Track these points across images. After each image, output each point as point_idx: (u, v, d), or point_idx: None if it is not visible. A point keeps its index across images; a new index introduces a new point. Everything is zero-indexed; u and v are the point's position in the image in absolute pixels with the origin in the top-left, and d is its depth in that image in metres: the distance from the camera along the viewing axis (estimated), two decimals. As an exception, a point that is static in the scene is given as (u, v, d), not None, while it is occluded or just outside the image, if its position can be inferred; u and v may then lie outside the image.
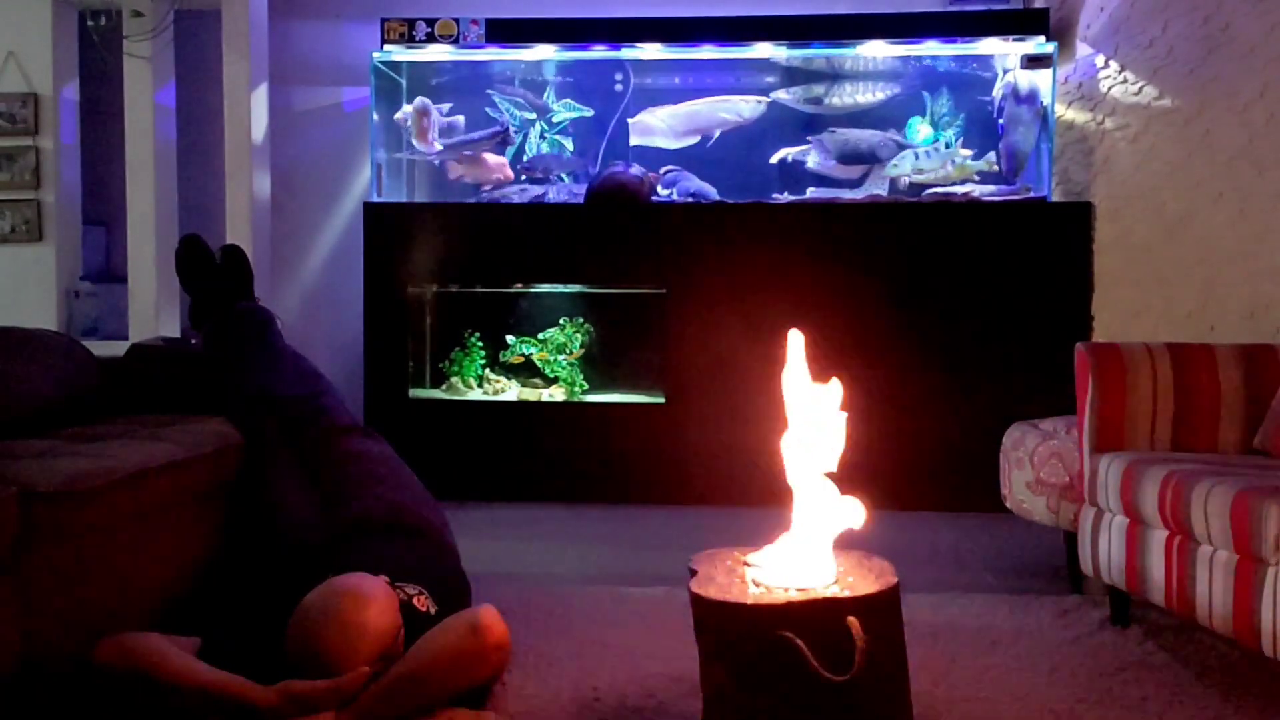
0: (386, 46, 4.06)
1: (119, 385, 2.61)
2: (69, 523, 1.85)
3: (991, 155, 3.99)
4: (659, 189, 4.03)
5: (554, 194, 4.13)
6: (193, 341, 2.80)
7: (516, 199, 4.10)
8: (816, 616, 1.59)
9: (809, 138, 4.10)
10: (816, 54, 4.08)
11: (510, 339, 4.07)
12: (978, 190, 3.88)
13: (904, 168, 3.99)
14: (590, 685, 2.01)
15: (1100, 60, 3.73)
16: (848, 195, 4.03)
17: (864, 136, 4.08)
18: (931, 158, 3.97)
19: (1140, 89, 3.58)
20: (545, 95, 4.31)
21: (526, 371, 4.08)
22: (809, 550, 1.75)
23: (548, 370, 4.03)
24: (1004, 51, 3.99)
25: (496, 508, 3.72)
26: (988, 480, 3.04)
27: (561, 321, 4.03)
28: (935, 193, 3.92)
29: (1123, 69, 3.64)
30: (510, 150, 4.26)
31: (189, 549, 2.25)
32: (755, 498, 3.50)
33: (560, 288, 4.05)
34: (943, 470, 3.71)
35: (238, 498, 2.38)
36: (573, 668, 2.10)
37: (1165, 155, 3.52)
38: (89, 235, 4.87)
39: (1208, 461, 2.20)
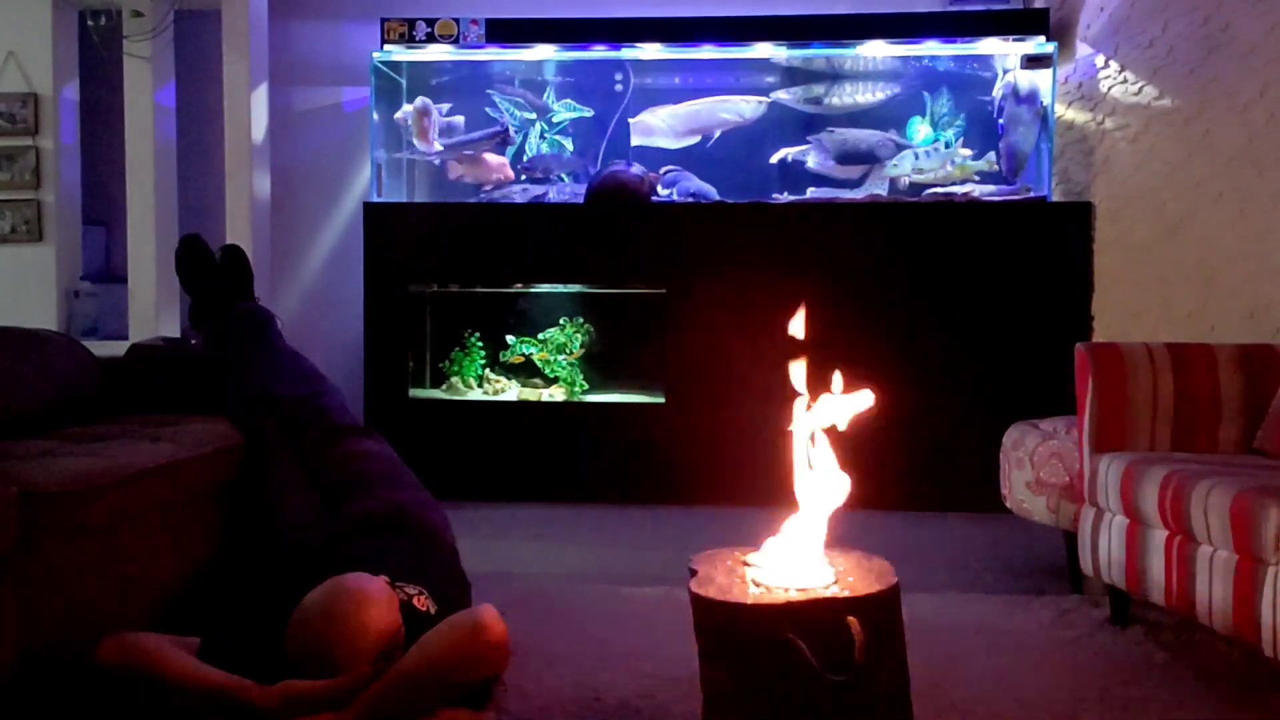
0: (386, 46, 4.06)
1: (119, 385, 2.61)
2: (69, 523, 1.85)
3: (991, 155, 3.99)
4: (659, 189, 4.03)
5: (554, 194, 4.13)
6: (193, 341, 2.80)
7: (518, 199, 4.10)
8: (816, 616, 1.59)
9: (808, 137, 4.11)
10: (816, 54, 4.08)
11: (510, 339, 4.07)
12: (978, 190, 3.88)
13: (904, 168, 3.99)
14: (590, 685, 2.01)
15: (1100, 60, 3.73)
16: (848, 195, 4.03)
17: (862, 136, 4.08)
18: (931, 158, 3.97)
19: (1140, 89, 3.58)
20: (545, 95, 4.31)
21: (526, 371, 4.08)
22: (808, 547, 1.75)
23: (548, 370, 4.03)
24: (1004, 51, 3.99)
25: (496, 508, 3.72)
26: (988, 480, 3.04)
27: (561, 321, 4.03)
28: (935, 193, 3.92)
29: (1123, 69, 3.64)
30: (510, 150, 4.27)
31: (189, 549, 2.25)
32: (755, 498, 3.50)
33: (560, 288, 4.05)
34: (943, 470, 3.71)
35: (238, 498, 2.38)
36: (573, 668, 2.10)
37: (1165, 155, 3.52)
38: (89, 235, 4.87)
39: (1208, 461, 2.20)
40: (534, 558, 3.11)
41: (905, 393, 3.73)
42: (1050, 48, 3.84)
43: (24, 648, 1.74)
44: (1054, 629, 2.36)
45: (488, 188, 4.20)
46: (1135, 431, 2.41)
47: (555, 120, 4.32)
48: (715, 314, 3.81)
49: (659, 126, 4.16)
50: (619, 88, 4.27)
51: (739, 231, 3.84)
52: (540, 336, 4.04)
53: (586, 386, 4.01)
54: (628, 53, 4.11)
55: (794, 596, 1.63)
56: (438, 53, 4.12)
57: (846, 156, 4.09)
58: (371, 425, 2.81)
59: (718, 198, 4.02)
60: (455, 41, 4.03)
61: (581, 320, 4.04)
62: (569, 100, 4.30)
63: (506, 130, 4.21)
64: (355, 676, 1.68)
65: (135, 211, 4.51)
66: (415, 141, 4.14)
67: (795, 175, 4.12)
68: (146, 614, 2.05)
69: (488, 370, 4.07)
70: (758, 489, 3.48)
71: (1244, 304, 3.30)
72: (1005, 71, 4.00)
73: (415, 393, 3.98)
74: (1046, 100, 3.86)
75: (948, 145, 4.00)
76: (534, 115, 4.30)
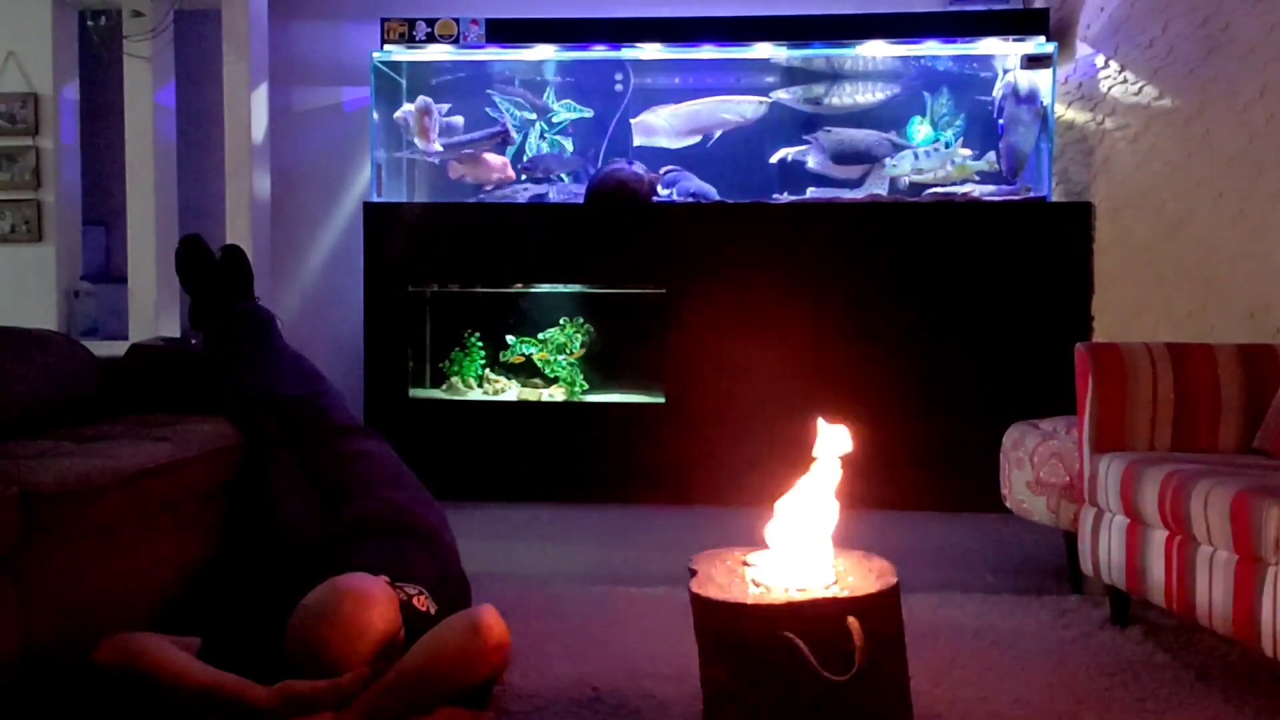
0: (386, 46, 4.06)
1: (119, 385, 2.61)
2: (69, 523, 1.85)
3: (991, 155, 3.99)
4: (659, 189, 4.03)
5: (554, 194, 4.13)
6: (193, 341, 2.80)
7: (520, 199, 4.10)
8: (816, 616, 1.59)
9: (805, 137, 4.11)
10: (816, 54, 4.08)
11: (510, 339, 4.07)
12: (978, 190, 3.88)
13: (904, 168, 3.99)
14: (590, 685, 2.01)
15: (1100, 60, 3.73)
16: (848, 195, 4.02)
17: (859, 136, 4.08)
18: (931, 158, 3.97)
19: (1140, 89, 3.58)
20: (545, 95, 4.31)
21: (526, 371, 4.08)
22: (809, 547, 1.75)
23: (548, 370, 4.03)
24: (1004, 51, 3.99)
25: (496, 508, 3.72)
26: (988, 480, 3.04)
27: (562, 321, 4.03)
28: (935, 193, 3.92)
29: (1123, 69, 3.64)
30: (510, 150, 4.27)
31: (189, 549, 2.25)
32: (755, 498, 3.49)
33: (560, 288, 4.05)
34: (943, 470, 3.71)
35: (238, 498, 2.38)
36: (573, 668, 2.10)
37: (1165, 155, 3.52)
38: (89, 235, 4.87)
39: (1208, 461, 2.20)
40: (534, 558, 3.11)
41: (905, 393, 3.74)
42: (1050, 48, 3.84)
43: (24, 648, 1.74)
44: (1054, 629, 2.36)
45: (489, 188, 4.20)
46: (1135, 431, 2.41)
47: (555, 120, 4.32)
48: (715, 314, 3.81)
49: (659, 126, 4.16)
50: (619, 88, 4.27)
51: (739, 231, 3.84)
52: (540, 336, 4.04)
53: (586, 386, 4.01)
54: (628, 53, 4.10)
55: (794, 596, 1.63)
56: (438, 53, 4.12)
57: (843, 156, 4.09)
58: (371, 425, 2.81)
59: (718, 198, 4.02)
60: (455, 41, 4.03)
61: (581, 320, 4.04)
62: (569, 100, 4.30)
63: (506, 130, 4.21)
64: (355, 676, 1.68)
65: (135, 211, 4.51)
66: (416, 140, 4.14)
67: (795, 175, 4.12)
68: (146, 614, 2.05)
69: (488, 370, 4.06)
70: (758, 489, 3.48)
71: (1244, 304, 3.30)
72: (1005, 71, 4.00)
73: (415, 393, 3.98)
74: (1046, 100, 3.86)
75: (948, 145, 4.00)
76: (534, 115, 4.30)
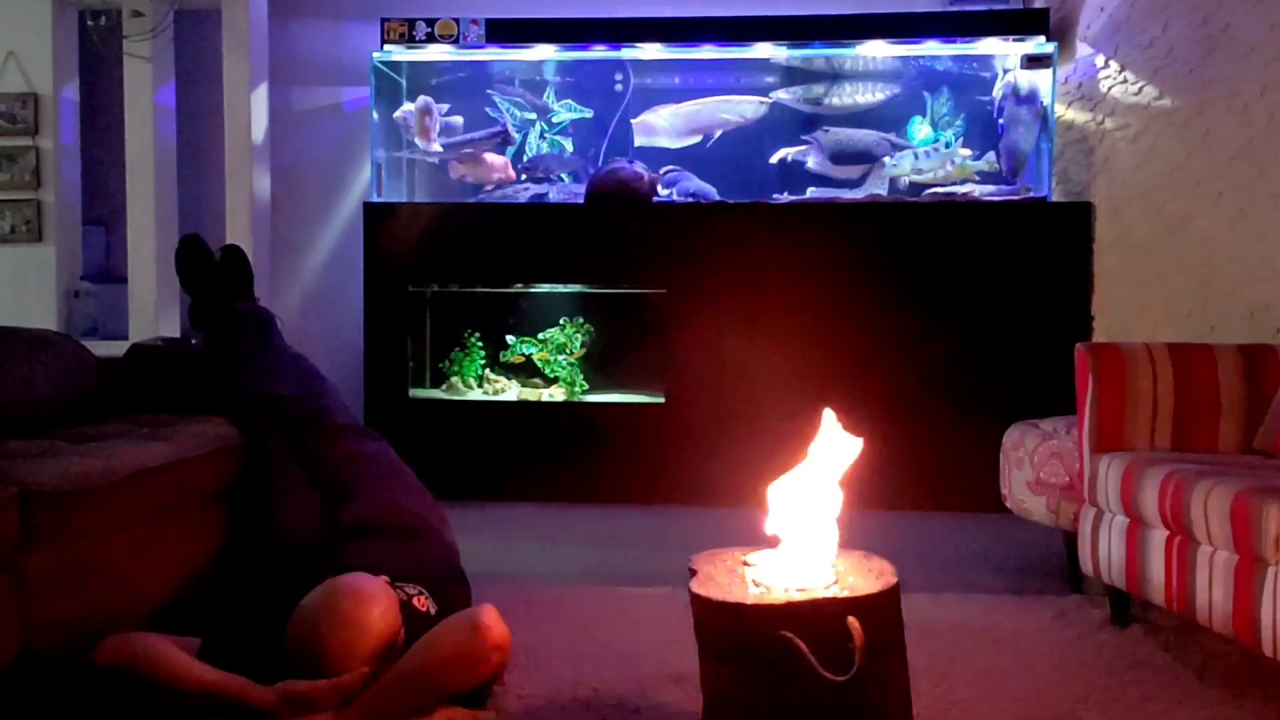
0: (386, 46, 4.06)
1: (119, 385, 2.61)
2: (69, 523, 1.85)
3: (991, 155, 3.99)
4: (659, 189, 4.03)
5: (554, 194, 4.13)
6: (193, 341, 2.80)
7: (521, 199, 4.10)
8: (816, 616, 1.59)
9: (803, 136, 4.11)
10: (816, 54, 4.08)
11: (510, 339, 4.07)
12: (978, 190, 3.88)
13: (904, 168, 3.99)
14: (590, 685, 2.01)
15: (1100, 60, 3.73)
16: (847, 195, 4.02)
17: (859, 136, 4.08)
18: (931, 158, 3.97)
19: (1140, 89, 3.58)
20: (545, 95, 4.31)
21: (526, 371, 4.08)
22: (810, 546, 1.75)
23: (548, 370, 4.03)
24: (1004, 51, 3.99)
25: (496, 508, 3.72)
26: (988, 480, 3.04)
27: (561, 321, 4.03)
28: (935, 193, 3.92)
29: (1123, 69, 3.64)
30: (510, 150, 4.27)
31: (189, 549, 2.25)
32: (755, 498, 3.50)
33: (560, 288, 4.05)
34: (943, 470, 3.71)
35: (238, 498, 2.38)
36: (573, 668, 2.10)
37: (1165, 155, 3.52)
38: (89, 235, 4.87)
39: (1208, 461, 2.20)
40: (534, 558, 3.11)
41: (905, 393, 3.74)
42: (1050, 48, 3.84)
43: (24, 648, 1.74)
44: (1054, 629, 2.36)
45: (489, 187, 4.20)
46: (1135, 431, 2.41)
47: (555, 120, 4.32)
48: (715, 314, 3.81)
49: (660, 126, 4.16)
50: (619, 88, 4.27)
51: (739, 231, 3.84)
52: (540, 336, 4.04)
53: (586, 386, 4.01)
54: (628, 53, 4.11)
55: (794, 596, 1.63)
56: (438, 53, 4.12)
57: (843, 156, 4.09)
58: (371, 425, 2.81)
59: (718, 198, 4.02)
60: (455, 41, 4.03)
61: (581, 320, 4.04)
62: (569, 100, 4.30)
63: (506, 130, 4.21)
64: (355, 676, 1.68)
65: (135, 211, 4.51)
66: (417, 140, 4.14)
67: (795, 175, 4.12)
68: (146, 614, 2.05)
69: (488, 370, 4.06)
70: (758, 489, 3.48)
71: (1244, 304, 3.29)
72: (1005, 71, 4.00)
73: (415, 393, 3.98)
74: (1046, 100, 3.86)
75: (948, 145, 4.00)
76: (534, 115, 4.30)
